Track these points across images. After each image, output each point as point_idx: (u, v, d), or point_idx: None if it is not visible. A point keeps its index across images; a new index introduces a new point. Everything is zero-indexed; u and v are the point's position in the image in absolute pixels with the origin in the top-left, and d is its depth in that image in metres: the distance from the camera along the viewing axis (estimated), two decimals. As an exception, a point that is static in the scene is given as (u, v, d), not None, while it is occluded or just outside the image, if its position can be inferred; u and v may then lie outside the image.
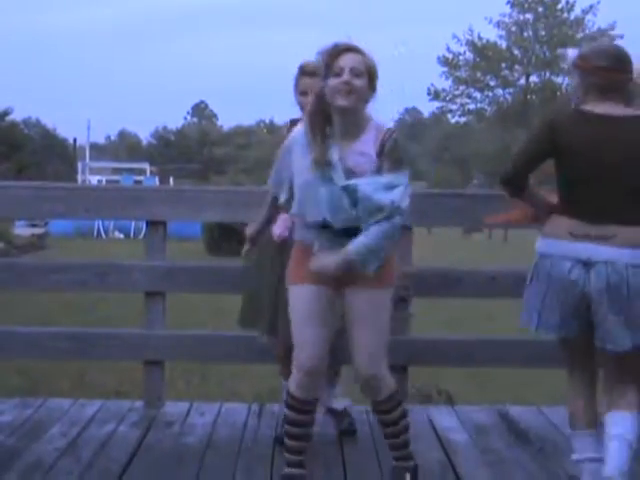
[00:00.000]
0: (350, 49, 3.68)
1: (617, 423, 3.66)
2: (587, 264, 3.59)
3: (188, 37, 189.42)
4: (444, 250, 18.84)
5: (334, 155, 3.67)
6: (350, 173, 3.65)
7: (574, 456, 3.82)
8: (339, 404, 4.88)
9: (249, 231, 4.49)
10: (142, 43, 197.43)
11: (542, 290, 3.78)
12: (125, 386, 7.42)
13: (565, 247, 3.67)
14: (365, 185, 3.61)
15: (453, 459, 4.49)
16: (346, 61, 3.65)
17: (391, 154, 3.70)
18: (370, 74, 3.71)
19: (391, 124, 4.06)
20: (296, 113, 4.57)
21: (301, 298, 3.84)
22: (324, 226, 3.68)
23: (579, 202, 3.71)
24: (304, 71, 4.40)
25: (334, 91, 3.63)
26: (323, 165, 3.65)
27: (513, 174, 3.89)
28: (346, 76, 3.62)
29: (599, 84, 3.71)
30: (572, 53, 3.84)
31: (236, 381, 7.67)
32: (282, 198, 3.95)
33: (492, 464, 4.44)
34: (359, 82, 3.64)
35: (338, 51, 3.66)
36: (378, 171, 3.68)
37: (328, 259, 3.63)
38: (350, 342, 3.84)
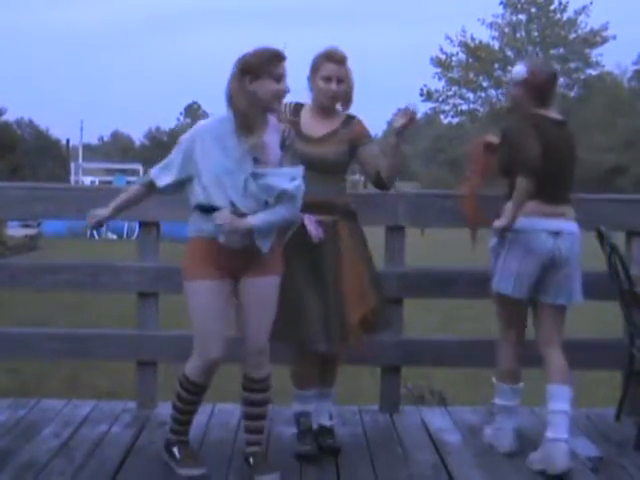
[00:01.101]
0: (283, 57, 4.09)
1: (556, 397, 4.61)
2: (556, 234, 4.50)
3: (181, 38, 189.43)
4: (439, 251, 18.86)
5: (245, 146, 4.03)
6: (257, 163, 4.04)
7: (497, 400, 4.76)
8: (329, 421, 4.79)
9: (102, 212, 4.29)
10: (135, 44, 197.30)
11: (518, 259, 4.51)
12: (118, 387, 7.41)
13: (540, 223, 4.49)
14: (272, 174, 4.03)
15: (446, 460, 4.50)
16: (283, 69, 4.08)
17: (289, 149, 4.19)
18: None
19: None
20: (300, 98, 4.70)
21: (204, 294, 4.09)
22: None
23: (544, 189, 4.41)
24: (331, 57, 4.49)
25: (276, 95, 4.04)
26: (235, 152, 4.03)
27: (535, 163, 4.37)
28: (283, 85, 4.06)
29: (545, 94, 4.59)
30: (520, 69, 4.62)
31: (229, 382, 7.66)
32: (162, 182, 4.16)
33: (485, 465, 4.45)
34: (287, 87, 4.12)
35: (280, 58, 4.07)
36: (280, 163, 4.12)
37: (236, 220, 3.96)
38: (244, 322, 4.23)
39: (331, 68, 4.47)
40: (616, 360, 5.29)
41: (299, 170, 4.10)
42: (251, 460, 4.27)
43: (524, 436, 4.88)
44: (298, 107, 4.65)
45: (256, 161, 4.03)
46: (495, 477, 4.31)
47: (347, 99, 4.63)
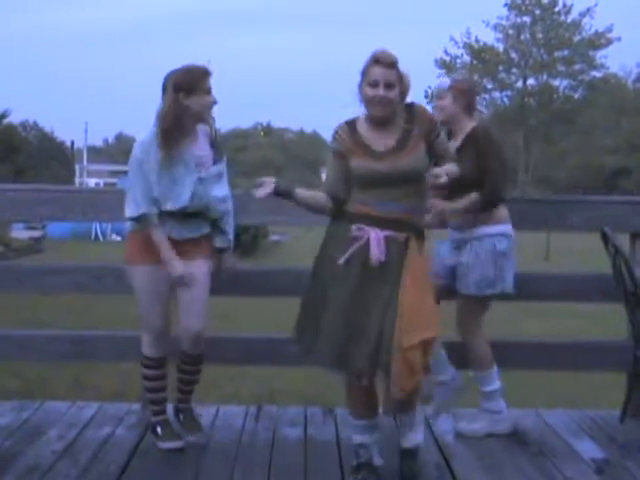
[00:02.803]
0: (210, 73, 4.49)
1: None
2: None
3: (185, 40, 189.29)
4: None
5: (188, 153, 4.48)
6: (197, 166, 4.51)
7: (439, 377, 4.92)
8: (411, 440, 4.39)
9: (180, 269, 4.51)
10: (140, 45, 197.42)
11: (512, 261, 4.89)
12: (122, 388, 7.41)
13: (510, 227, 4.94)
14: (209, 176, 4.54)
15: (450, 462, 4.49)
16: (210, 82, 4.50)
17: (219, 146, 4.66)
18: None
19: None
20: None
21: (148, 277, 4.54)
22: (173, 212, 4.47)
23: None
24: (378, 61, 4.03)
25: (209, 106, 4.51)
26: (178, 162, 4.46)
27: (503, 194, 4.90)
28: (212, 97, 4.48)
29: (471, 102, 4.96)
30: (443, 81, 5.08)
31: (234, 383, 7.67)
32: (144, 210, 4.45)
33: (489, 467, 4.44)
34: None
35: (208, 73, 4.48)
36: (214, 162, 4.60)
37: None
38: (181, 305, 4.60)
39: (378, 72, 4.01)
40: (621, 362, 5.28)
41: (222, 164, 4.69)
42: (181, 417, 4.84)
43: (525, 437, 4.88)
44: (352, 124, 4.19)
45: (198, 164, 4.54)
46: (499, 479, 4.30)
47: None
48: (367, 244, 4.00)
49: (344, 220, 4.12)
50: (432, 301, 4.12)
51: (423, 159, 4.09)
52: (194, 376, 4.81)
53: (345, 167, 4.13)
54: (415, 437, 4.36)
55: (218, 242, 4.72)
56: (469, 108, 4.94)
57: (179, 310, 4.61)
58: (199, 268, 4.58)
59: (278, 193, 4.10)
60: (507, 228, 4.91)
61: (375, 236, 3.99)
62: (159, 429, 4.68)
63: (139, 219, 4.46)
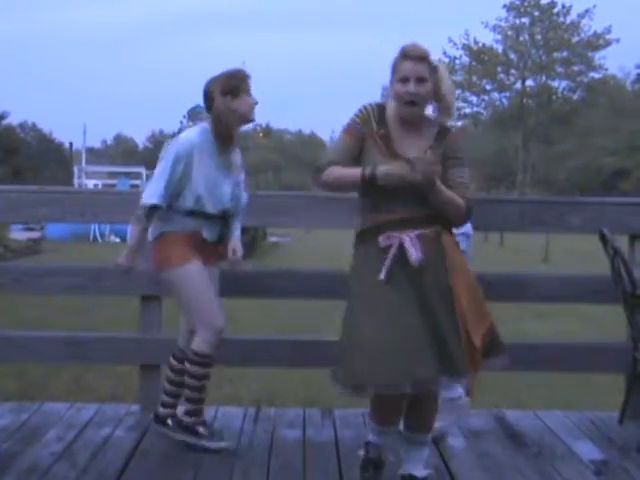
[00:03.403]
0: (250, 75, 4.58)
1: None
2: None
3: (184, 41, 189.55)
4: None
5: (231, 156, 4.67)
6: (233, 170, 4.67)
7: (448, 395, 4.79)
8: (422, 470, 4.16)
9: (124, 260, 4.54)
10: (138, 47, 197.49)
11: (470, 261, 4.61)
12: (121, 390, 7.41)
13: None
14: (240, 180, 4.76)
15: (449, 464, 4.49)
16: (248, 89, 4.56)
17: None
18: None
19: None
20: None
21: (197, 273, 4.49)
22: (211, 215, 4.56)
23: None
24: (407, 55, 3.85)
25: (253, 107, 4.56)
26: (224, 164, 4.59)
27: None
28: (254, 99, 4.55)
29: None
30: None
31: (233, 385, 7.67)
32: (161, 200, 4.45)
33: (488, 468, 4.44)
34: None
35: (249, 75, 4.55)
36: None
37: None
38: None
39: (408, 67, 3.82)
40: (619, 363, 5.29)
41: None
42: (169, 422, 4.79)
43: (524, 438, 4.89)
44: (381, 110, 4.00)
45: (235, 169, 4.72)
46: (498, 480, 4.31)
47: (440, 104, 4.03)
48: (400, 249, 3.81)
49: (369, 235, 3.92)
50: (478, 289, 3.96)
51: (437, 173, 3.83)
52: (197, 380, 4.66)
53: (358, 149, 3.96)
54: (422, 466, 4.13)
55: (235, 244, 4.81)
56: None
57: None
58: (216, 270, 4.76)
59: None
60: (469, 228, 4.94)
61: (408, 238, 3.81)
62: (201, 429, 4.64)
63: (150, 207, 4.44)
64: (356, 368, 3.71)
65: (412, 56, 3.83)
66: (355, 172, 3.88)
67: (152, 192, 4.44)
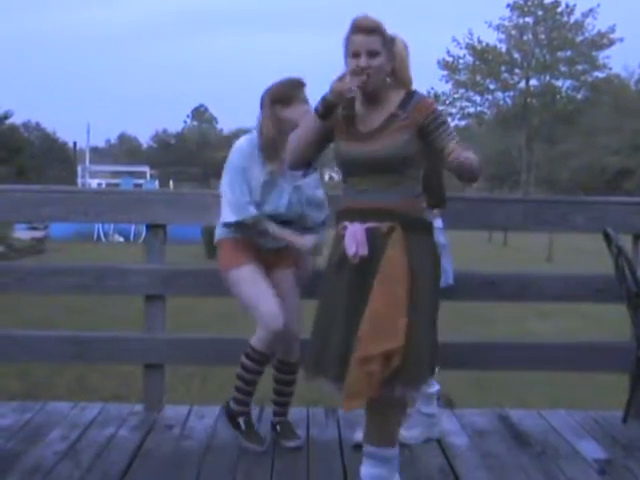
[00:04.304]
0: (305, 83, 4.57)
1: None
2: None
3: (188, 40, 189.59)
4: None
5: (268, 168, 4.56)
6: (292, 175, 4.52)
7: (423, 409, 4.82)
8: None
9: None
10: (141, 46, 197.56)
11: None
12: (125, 389, 7.42)
13: None
14: (305, 184, 4.62)
15: (453, 463, 4.49)
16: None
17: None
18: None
19: None
20: None
21: (249, 275, 4.54)
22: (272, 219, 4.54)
23: None
24: (357, 28, 3.61)
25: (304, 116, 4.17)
26: (278, 171, 4.53)
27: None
28: (309, 107, 4.39)
29: None
30: None
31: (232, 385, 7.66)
32: (253, 212, 4.51)
33: (492, 468, 4.43)
34: None
35: (304, 84, 4.56)
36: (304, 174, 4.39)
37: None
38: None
39: (359, 40, 3.59)
40: (623, 363, 5.28)
41: (316, 177, 4.72)
42: (278, 428, 4.81)
43: (527, 437, 4.89)
44: (351, 98, 3.72)
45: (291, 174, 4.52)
46: (501, 479, 4.30)
47: (395, 77, 3.86)
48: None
49: (336, 221, 3.81)
50: (401, 304, 3.48)
51: (402, 146, 3.59)
52: (289, 387, 4.82)
53: (325, 128, 3.75)
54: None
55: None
56: None
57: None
58: (284, 276, 4.72)
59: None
60: (440, 221, 4.82)
61: (351, 230, 3.61)
62: (242, 422, 4.72)
63: (237, 224, 4.53)
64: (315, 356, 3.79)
65: (362, 29, 3.59)
66: (310, 117, 3.82)
67: (227, 212, 4.56)
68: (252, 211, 4.49)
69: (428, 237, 3.75)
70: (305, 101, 4.53)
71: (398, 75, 3.95)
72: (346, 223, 3.68)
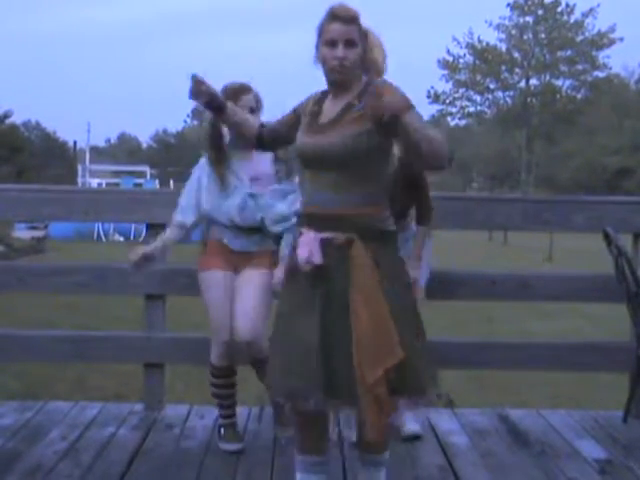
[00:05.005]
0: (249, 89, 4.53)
1: None
2: None
3: (188, 40, 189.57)
4: (445, 253, 18.82)
5: (240, 170, 4.59)
6: (253, 182, 4.57)
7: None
8: None
9: (138, 253, 4.56)
10: (142, 46, 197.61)
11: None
12: (125, 389, 7.42)
13: None
14: (267, 196, 4.55)
15: (453, 462, 4.49)
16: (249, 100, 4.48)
17: (288, 166, 4.57)
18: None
19: None
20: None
21: (214, 281, 4.56)
22: (227, 225, 4.56)
23: None
24: (335, 16, 3.37)
25: None
26: (230, 178, 4.56)
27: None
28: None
29: None
30: None
31: (237, 384, 7.66)
32: (189, 221, 4.66)
33: (492, 467, 4.43)
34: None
35: (245, 90, 4.51)
36: (279, 180, 4.56)
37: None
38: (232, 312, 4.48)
39: (336, 29, 3.34)
40: (623, 363, 5.28)
41: (293, 185, 4.61)
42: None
43: (528, 437, 4.89)
44: (323, 95, 3.55)
45: (253, 180, 4.58)
46: (502, 479, 4.29)
47: (371, 68, 3.60)
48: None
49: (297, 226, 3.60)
50: (387, 319, 3.25)
51: (354, 139, 3.28)
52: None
53: (291, 124, 3.59)
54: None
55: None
56: None
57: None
58: (249, 277, 4.54)
59: (212, 106, 3.61)
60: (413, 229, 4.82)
61: (305, 239, 3.36)
62: (222, 430, 4.70)
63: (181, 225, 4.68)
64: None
65: (341, 17, 3.34)
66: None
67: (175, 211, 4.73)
68: (187, 217, 4.67)
69: (391, 247, 3.45)
70: (246, 107, 4.41)
71: (375, 66, 3.74)
72: (302, 230, 3.43)
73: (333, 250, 3.31)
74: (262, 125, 3.78)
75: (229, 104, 3.70)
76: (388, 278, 3.32)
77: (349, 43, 3.34)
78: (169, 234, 4.69)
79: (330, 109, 3.44)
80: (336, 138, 3.31)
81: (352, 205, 3.32)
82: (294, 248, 3.47)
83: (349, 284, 3.25)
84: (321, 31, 3.40)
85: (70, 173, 54.33)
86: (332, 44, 3.34)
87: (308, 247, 3.32)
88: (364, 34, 3.43)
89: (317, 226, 3.35)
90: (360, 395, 3.21)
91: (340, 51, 3.33)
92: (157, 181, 46.76)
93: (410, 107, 3.12)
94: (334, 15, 3.35)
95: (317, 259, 3.31)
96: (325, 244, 3.32)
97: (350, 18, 3.35)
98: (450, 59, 48.50)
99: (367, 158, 3.32)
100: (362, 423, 3.31)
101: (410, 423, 4.84)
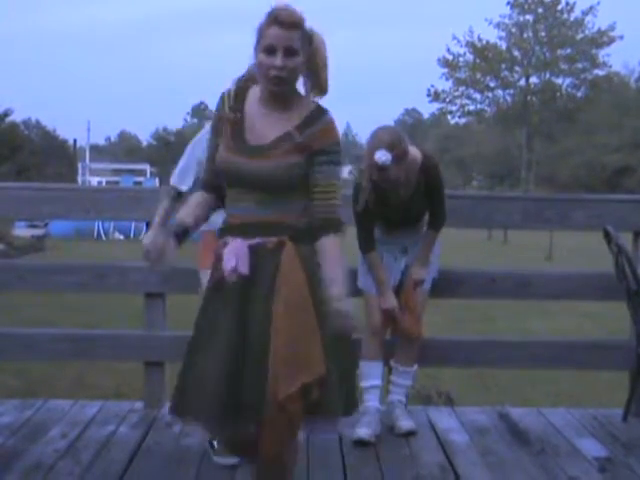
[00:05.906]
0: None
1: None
2: None
3: (188, 38, 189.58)
4: (444, 252, 18.79)
5: None
6: None
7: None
8: None
9: (148, 240, 3.22)
10: (142, 44, 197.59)
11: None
12: (125, 387, 7.42)
13: None
14: None
15: (453, 460, 4.49)
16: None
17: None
18: None
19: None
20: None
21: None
22: None
23: None
24: (276, 19, 3.08)
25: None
26: None
27: None
28: None
29: (406, 149, 4.56)
30: (387, 157, 4.41)
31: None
32: (185, 188, 4.54)
33: (492, 465, 4.43)
34: None
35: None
36: None
37: None
38: None
39: (275, 34, 3.05)
40: (623, 361, 5.28)
41: None
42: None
43: (528, 435, 4.89)
44: (241, 93, 3.29)
45: None
46: (502, 478, 4.29)
47: (313, 81, 3.26)
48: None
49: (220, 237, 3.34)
50: (313, 334, 3.06)
51: (290, 168, 3.14)
52: None
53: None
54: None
55: None
56: (406, 154, 4.52)
57: None
58: None
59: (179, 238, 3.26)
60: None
61: (232, 248, 3.17)
62: (216, 442, 4.43)
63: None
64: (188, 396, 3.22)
65: (282, 22, 3.05)
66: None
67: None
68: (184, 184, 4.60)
69: (313, 246, 3.21)
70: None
71: (318, 75, 3.25)
72: (227, 239, 3.23)
73: (263, 255, 3.15)
74: (205, 187, 3.41)
75: (184, 221, 3.31)
76: (318, 282, 3.13)
77: (289, 51, 3.07)
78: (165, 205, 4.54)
79: (262, 127, 3.20)
80: (268, 164, 3.13)
81: (282, 213, 3.18)
82: (218, 259, 3.24)
83: (274, 292, 3.08)
84: (260, 35, 3.11)
85: (70, 171, 54.32)
86: (270, 51, 3.07)
87: (235, 256, 3.14)
88: (308, 40, 3.16)
89: (246, 234, 3.18)
90: (266, 409, 3.00)
91: (279, 60, 3.06)
92: (157, 179, 46.74)
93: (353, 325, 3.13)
94: (274, 18, 3.07)
95: (244, 269, 3.13)
96: (254, 250, 3.16)
97: (292, 23, 3.07)
98: (450, 57, 48.59)
99: (297, 183, 3.18)
100: (262, 443, 3.08)
101: (403, 420, 4.86)
